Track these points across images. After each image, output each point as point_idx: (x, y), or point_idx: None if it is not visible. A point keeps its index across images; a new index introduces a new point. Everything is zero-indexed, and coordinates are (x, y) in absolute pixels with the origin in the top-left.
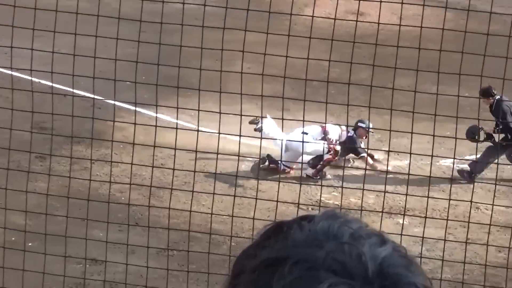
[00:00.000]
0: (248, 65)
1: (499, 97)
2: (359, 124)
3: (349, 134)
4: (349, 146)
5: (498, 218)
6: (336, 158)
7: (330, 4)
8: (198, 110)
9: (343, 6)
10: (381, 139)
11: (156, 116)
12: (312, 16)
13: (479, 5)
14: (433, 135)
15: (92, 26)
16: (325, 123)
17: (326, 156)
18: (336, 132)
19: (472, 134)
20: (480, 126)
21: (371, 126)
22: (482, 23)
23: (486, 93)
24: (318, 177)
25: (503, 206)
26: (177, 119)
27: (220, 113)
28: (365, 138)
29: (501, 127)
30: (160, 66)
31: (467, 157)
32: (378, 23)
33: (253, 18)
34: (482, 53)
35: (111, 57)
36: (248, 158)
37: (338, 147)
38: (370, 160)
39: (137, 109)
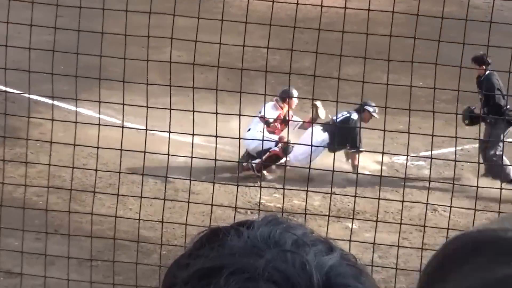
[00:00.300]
0: (178, 53)
1: (490, 71)
2: (366, 106)
3: (345, 116)
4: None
5: (458, 221)
6: (283, 156)
7: None
8: (123, 104)
9: None
10: None
11: (77, 111)
12: None
13: None
14: (384, 130)
15: (3, 10)
16: (262, 113)
17: (275, 148)
18: (272, 112)
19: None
20: (473, 107)
21: (377, 110)
22: (436, 4)
23: (479, 60)
24: (259, 174)
25: (463, 208)
26: (99, 113)
27: (147, 107)
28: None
29: (482, 98)
30: (80, 55)
31: (422, 153)
32: (322, 6)
33: (183, 1)
34: (437, 37)
35: (25, 46)
36: (179, 157)
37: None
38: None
39: (55, 103)
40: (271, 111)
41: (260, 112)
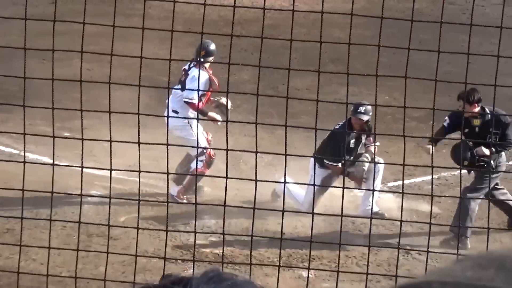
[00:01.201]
0: (88, 65)
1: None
2: (358, 113)
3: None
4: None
5: (436, 266)
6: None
7: None
8: (24, 134)
9: None
10: (273, 163)
11: None
12: (174, 1)
13: None
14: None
15: None
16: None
17: (199, 165)
18: (204, 82)
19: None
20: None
21: (363, 110)
22: (403, 0)
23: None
24: (184, 199)
25: (441, 252)
26: None
27: (54, 137)
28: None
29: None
30: None
31: (391, 184)
32: (264, 8)
33: (91, 1)
34: (406, 41)
35: None
36: (93, 195)
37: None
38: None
39: None
40: (201, 81)
41: (184, 74)
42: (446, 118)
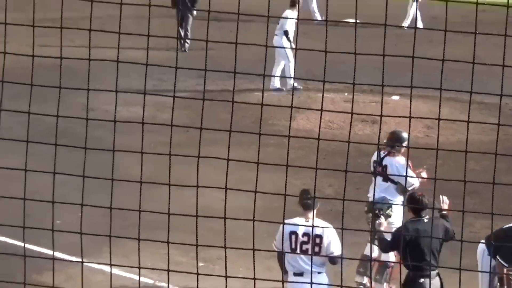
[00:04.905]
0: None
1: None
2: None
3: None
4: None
5: None
6: None
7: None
8: (168, 270)
9: (350, 109)
10: None
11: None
12: (312, 138)
13: None
14: None
15: None
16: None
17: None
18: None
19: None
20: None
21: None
22: None
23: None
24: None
25: None
26: (139, 275)
27: (197, 274)
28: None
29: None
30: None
31: None
32: (408, 147)
33: None
34: None
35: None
36: None
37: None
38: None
39: (69, 258)
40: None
41: (377, 165)
42: None
